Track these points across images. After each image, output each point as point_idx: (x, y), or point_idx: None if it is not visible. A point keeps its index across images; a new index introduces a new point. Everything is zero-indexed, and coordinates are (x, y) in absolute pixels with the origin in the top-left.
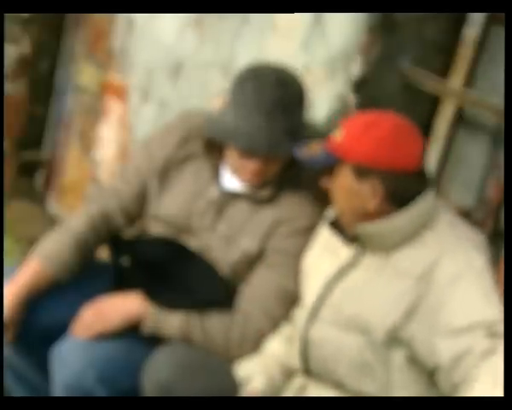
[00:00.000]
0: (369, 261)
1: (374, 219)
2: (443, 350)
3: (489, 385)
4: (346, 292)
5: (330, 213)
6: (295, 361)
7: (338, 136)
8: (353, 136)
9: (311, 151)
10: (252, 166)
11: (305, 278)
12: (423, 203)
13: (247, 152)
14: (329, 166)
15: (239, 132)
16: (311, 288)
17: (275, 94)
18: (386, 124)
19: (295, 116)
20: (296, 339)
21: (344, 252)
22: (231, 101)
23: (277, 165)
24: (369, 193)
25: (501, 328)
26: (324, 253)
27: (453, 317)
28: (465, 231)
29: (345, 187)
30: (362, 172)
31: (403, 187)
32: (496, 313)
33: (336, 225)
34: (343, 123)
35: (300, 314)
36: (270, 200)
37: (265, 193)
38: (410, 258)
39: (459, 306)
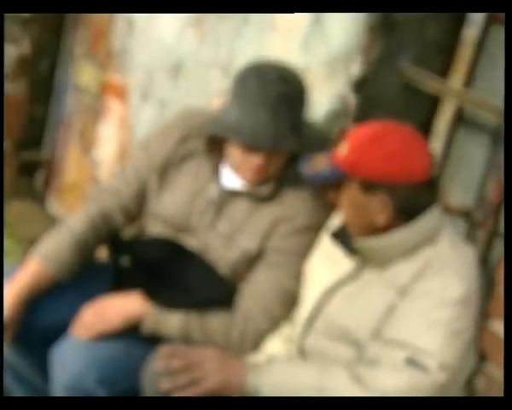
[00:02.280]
0: (367, 274)
1: (382, 231)
2: (367, 351)
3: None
4: (341, 304)
5: (333, 223)
6: None
7: (342, 150)
8: (359, 150)
9: (315, 166)
10: (255, 161)
11: (306, 284)
12: (427, 220)
13: (252, 147)
14: (335, 181)
15: (243, 128)
16: (309, 296)
17: (278, 89)
18: (393, 137)
19: (298, 112)
20: (293, 348)
21: (345, 263)
22: (233, 98)
23: (279, 161)
24: (377, 207)
25: (426, 361)
26: (326, 261)
27: (392, 328)
28: (464, 255)
29: (352, 202)
30: (369, 187)
31: (412, 200)
32: (430, 344)
33: (339, 236)
34: (346, 136)
35: (298, 322)
36: (270, 198)
37: (266, 191)
38: (401, 270)
39: (403, 322)
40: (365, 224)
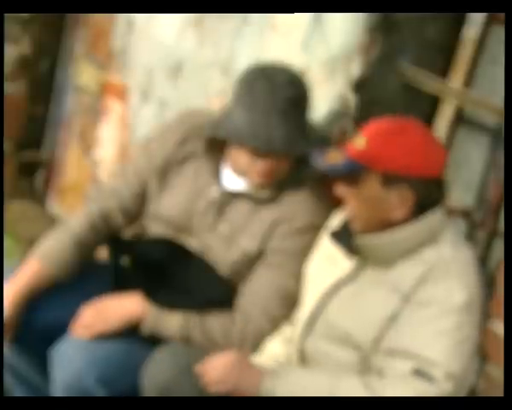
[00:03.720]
0: (368, 275)
1: (389, 228)
2: (373, 361)
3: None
4: (341, 306)
5: (333, 223)
6: (294, 364)
7: (360, 143)
8: (379, 143)
9: (330, 159)
10: (264, 166)
11: (306, 285)
12: (431, 217)
13: (264, 152)
14: (349, 175)
15: (255, 133)
16: (309, 297)
17: (287, 93)
18: (413, 130)
19: (305, 114)
20: (293, 349)
21: (344, 264)
22: (239, 101)
23: (287, 164)
24: (396, 201)
25: (433, 371)
26: (326, 262)
27: (396, 337)
28: (465, 258)
29: (370, 196)
30: (390, 180)
31: (431, 194)
32: (437, 354)
33: (339, 236)
34: (363, 130)
35: (298, 323)
36: (271, 200)
37: (267, 193)
38: (404, 274)
39: (408, 331)
40: (378, 219)
